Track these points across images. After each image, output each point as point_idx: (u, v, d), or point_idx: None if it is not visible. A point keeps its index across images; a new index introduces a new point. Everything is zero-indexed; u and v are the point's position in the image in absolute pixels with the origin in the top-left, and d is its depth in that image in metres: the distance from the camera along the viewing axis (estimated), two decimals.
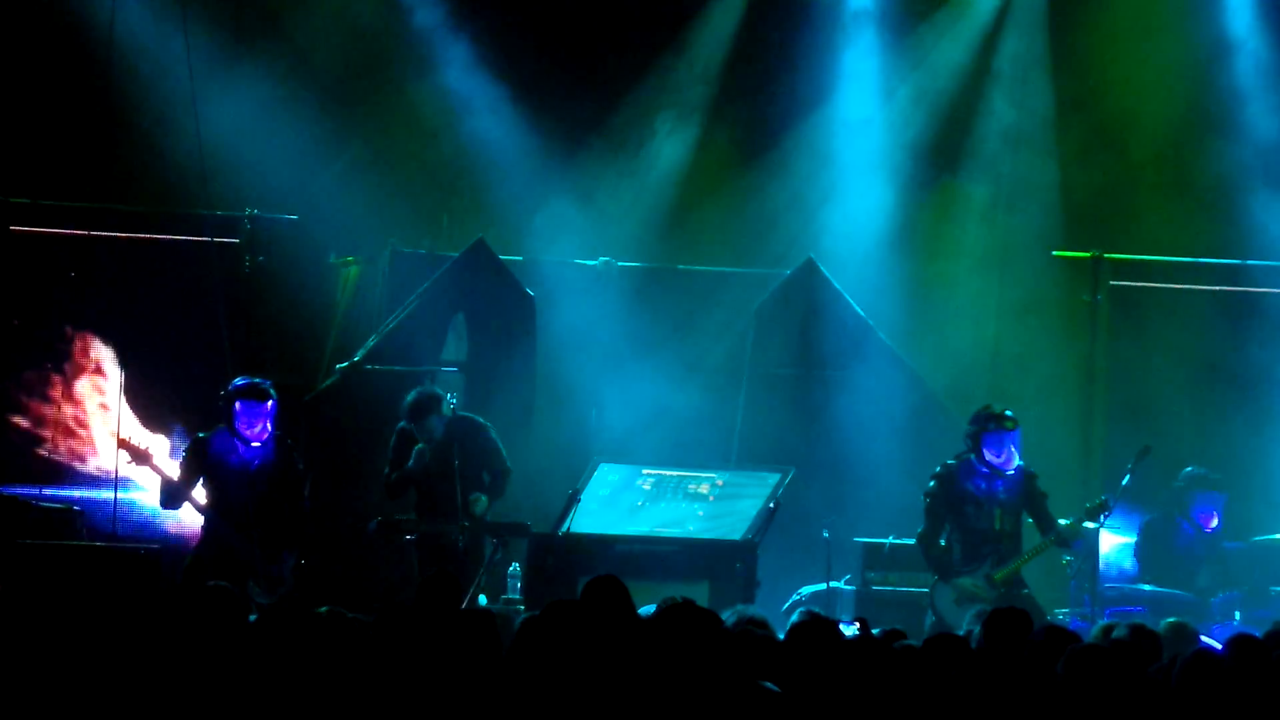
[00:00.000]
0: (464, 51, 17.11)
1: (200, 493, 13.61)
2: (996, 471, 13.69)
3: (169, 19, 15.02)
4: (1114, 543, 15.64)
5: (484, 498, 14.00)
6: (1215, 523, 15.35)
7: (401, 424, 14.27)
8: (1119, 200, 17.33)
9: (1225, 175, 17.23)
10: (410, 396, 14.25)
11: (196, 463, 13.55)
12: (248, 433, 13.47)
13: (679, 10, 17.75)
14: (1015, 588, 13.60)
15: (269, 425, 13.52)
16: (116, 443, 13.85)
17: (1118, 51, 17.35)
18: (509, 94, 17.19)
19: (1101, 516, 13.88)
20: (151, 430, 15.60)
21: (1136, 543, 15.57)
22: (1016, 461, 13.76)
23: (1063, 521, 13.76)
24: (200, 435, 13.74)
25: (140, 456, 13.47)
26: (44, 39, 16.05)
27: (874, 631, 9.32)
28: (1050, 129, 17.58)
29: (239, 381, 13.55)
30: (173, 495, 13.55)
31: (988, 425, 13.71)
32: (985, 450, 13.68)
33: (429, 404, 14.10)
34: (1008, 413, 13.78)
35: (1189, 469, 15.50)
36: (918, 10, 17.79)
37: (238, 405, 13.43)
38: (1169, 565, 15.29)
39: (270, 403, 13.52)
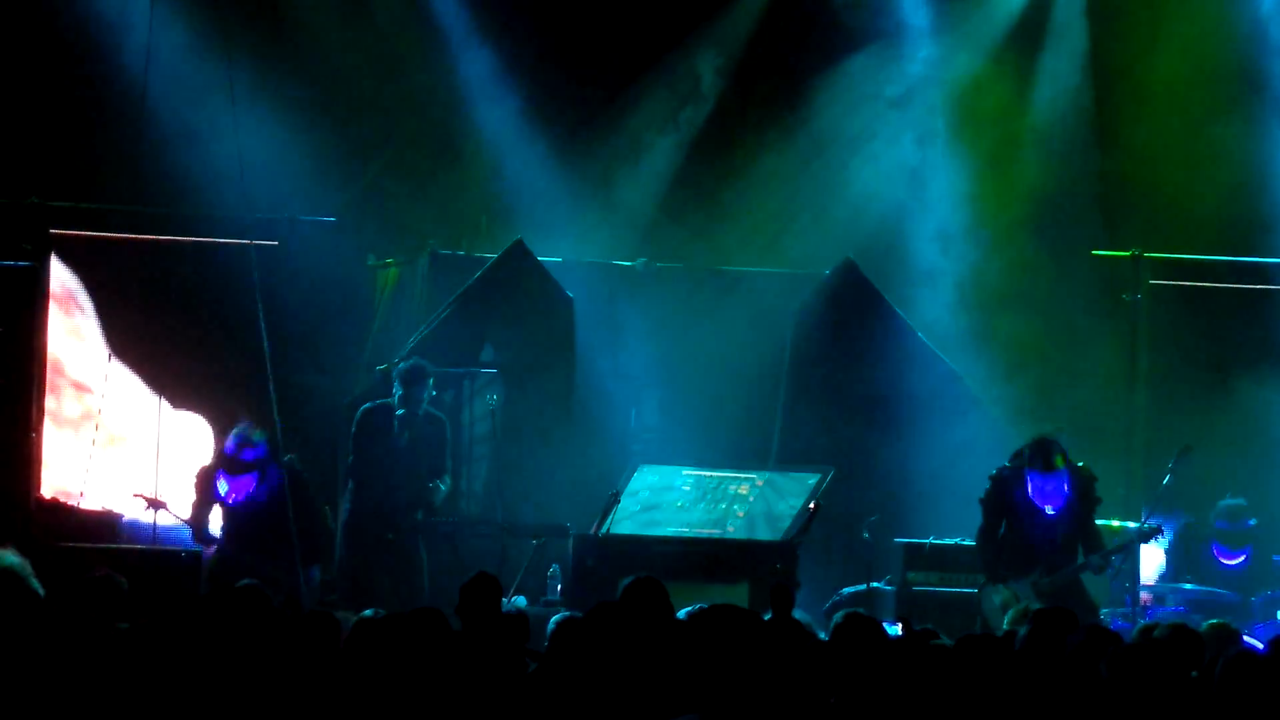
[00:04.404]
0: (500, 54, 17.12)
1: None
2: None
3: (207, 26, 15.05)
4: (1156, 550, 15.56)
5: (442, 484, 13.99)
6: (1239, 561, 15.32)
7: (366, 405, 14.19)
8: (1159, 198, 17.25)
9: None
10: (407, 363, 14.25)
11: (206, 492, 13.75)
12: (234, 496, 13.61)
13: (713, 9, 17.74)
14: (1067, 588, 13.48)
15: (254, 479, 13.57)
16: (132, 495, 14.14)
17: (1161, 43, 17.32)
18: (547, 97, 17.20)
19: (1154, 540, 13.96)
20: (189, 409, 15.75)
21: (1171, 543, 15.49)
22: (1063, 496, 13.56)
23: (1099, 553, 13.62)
24: (206, 465, 13.93)
25: (155, 505, 13.80)
26: (83, 45, 16.09)
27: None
28: (1092, 126, 17.52)
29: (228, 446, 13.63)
30: (196, 529, 13.76)
31: (1035, 463, 13.49)
32: (1030, 484, 13.48)
33: (425, 372, 14.10)
34: (1055, 458, 13.45)
35: (1229, 500, 15.38)
36: (957, 9, 17.76)
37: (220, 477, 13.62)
38: (1203, 571, 15.27)
39: (257, 455, 13.56)
